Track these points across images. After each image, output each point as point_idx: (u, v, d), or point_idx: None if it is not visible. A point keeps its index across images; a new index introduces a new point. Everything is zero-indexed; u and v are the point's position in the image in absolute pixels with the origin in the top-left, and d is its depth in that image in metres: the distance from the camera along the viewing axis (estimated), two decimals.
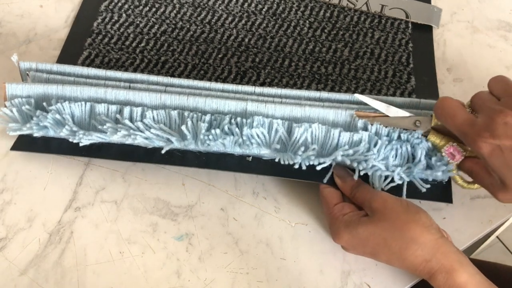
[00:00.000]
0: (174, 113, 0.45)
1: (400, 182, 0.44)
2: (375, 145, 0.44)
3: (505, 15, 0.62)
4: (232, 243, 0.45)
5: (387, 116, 0.44)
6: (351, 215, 0.41)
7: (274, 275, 0.43)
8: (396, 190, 0.44)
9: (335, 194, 0.44)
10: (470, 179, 0.43)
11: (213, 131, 0.44)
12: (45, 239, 0.44)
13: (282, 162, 0.44)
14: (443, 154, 0.43)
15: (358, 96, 0.45)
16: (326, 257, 0.44)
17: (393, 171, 0.44)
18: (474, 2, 0.63)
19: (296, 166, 0.44)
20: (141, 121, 0.44)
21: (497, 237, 1.16)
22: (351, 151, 0.43)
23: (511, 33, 0.61)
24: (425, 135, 0.44)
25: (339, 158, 0.43)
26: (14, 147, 0.48)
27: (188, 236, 0.45)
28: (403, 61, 0.56)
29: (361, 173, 0.44)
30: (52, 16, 0.60)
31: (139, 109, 0.45)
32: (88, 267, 0.43)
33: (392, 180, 0.44)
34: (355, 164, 0.44)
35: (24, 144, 0.47)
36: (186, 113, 0.45)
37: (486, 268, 0.59)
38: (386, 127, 0.44)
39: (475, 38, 0.60)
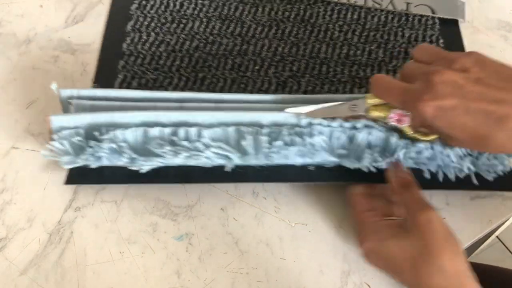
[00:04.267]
0: (231, 130, 0.44)
1: (468, 172, 0.44)
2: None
3: (505, 15, 0.62)
4: (232, 243, 0.45)
5: (325, 108, 0.45)
6: (382, 223, 0.40)
7: (274, 275, 0.43)
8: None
9: (366, 201, 0.43)
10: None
11: (275, 143, 0.44)
12: (45, 239, 0.44)
13: (350, 167, 0.44)
14: (391, 123, 0.43)
15: (289, 110, 0.45)
16: (326, 257, 0.44)
17: (462, 165, 0.44)
18: (474, 2, 0.63)
19: (365, 170, 0.44)
20: (198, 141, 0.44)
21: (497, 237, 1.16)
22: (413, 154, 0.44)
23: (511, 33, 0.61)
24: (366, 114, 0.44)
25: (402, 157, 0.43)
26: (68, 181, 0.46)
27: (188, 236, 0.45)
28: None
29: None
30: (52, 16, 0.60)
31: (194, 129, 0.44)
32: (88, 267, 0.43)
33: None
34: (424, 168, 0.44)
35: (77, 176, 0.45)
36: (243, 128, 0.44)
37: (488, 272, 0.59)
38: (325, 118, 0.45)
39: (475, 38, 0.60)
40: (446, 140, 0.40)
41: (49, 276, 0.43)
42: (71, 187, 0.47)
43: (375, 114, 0.43)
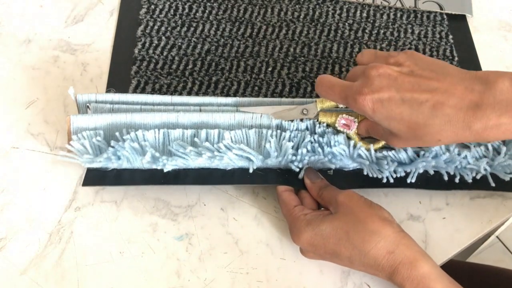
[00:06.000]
0: (252, 132, 0.45)
1: (484, 172, 0.45)
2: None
3: (505, 15, 0.62)
4: (232, 243, 0.45)
5: (276, 111, 0.47)
6: (313, 214, 0.42)
7: (274, 275, 0.43)
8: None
9: (294, 197, 0.44)
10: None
11: (299, 150, 0.44)
12: (45, 239, 0.44)
13: (370, 175, 0.45)
14: (338, 128, 0.45)
15: (242, 109, 0.46)
16: None
17: (479, 166, 0.45)
18: (474, 2, 0.63)
19: (384, 180, 0.45)
20: (219, 142, 0.44)
21: (497, 237, 1.16)
22: (433, 162, 0.44)
23: (511, 33, 0.61)
24: (317, 118, 0.46)
25: (420, 166, 0.44)
26: (85, 183, 0.45)
27: (188, 236, 0.45)
28: (447, 55, 0.57)
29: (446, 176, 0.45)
30: (52, 16, 0.60)
31: (215, 131, 0.44)
32: (88, 267, 0.43)
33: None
34: (442, 171, 0.45)
35: (95, 178, 0.45)
36: (264, 131, 0.45)
37: (488, 272, 0.59)
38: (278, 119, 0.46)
39: (475, 38, 0.60)
40: (390, 142, 0.41)
41: (49, 276, 0.43)
42: (71, 187, 0.47)
43: (324, 119, 0.45)
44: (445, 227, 0.46)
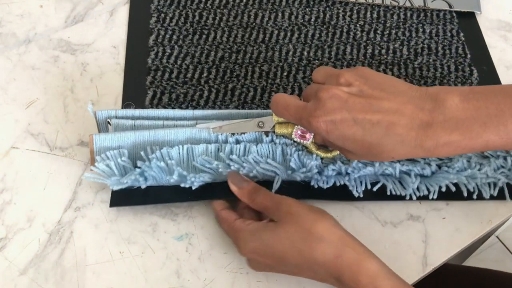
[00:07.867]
0: (279, 148, 0.44)
1: (501, 185, 0.46)
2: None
3: (505, 15, 0.62)
4: (232, 243, 0.45)
5: (233, 124, 0.46)
6: (255, 224, 0.41)
7: (274, 275, 0.43)
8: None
9: (233, 213, 0.44)
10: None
11: (326, 170, 0.44)
12: (45, 239, 0.44)
13: (393, 192, 0.45)
14: (295, 139, 0.45)
15: (199, 126, 0.46)
16: None
17: (497, 179, 0.45)
18: None
19: (407, 198, 0.45)
20: (245, 156, 0.44)
21: (497, 237, 1.16)
22: (455, 179, 0.45)
23: (511, 33, 0.61)
24: (273, 131, 0.45)
25: (443, 184, 0.45)
26: (113, 204, 0.45)
27: (188, 236, 0.45)
28: (460, 53, 0.57)
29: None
30: (52, 16, 0.60)
31: (241, 145, 0.44)
32: (88, 267, 0.43)
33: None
34: (463, 187, 0.46)
35: (122, 198, 0.45)
36: (288, 149, 0.44)
37: (487, 276, 0.59)
38: (233, 133, 0.45)
39: None
40: (345, 156, 0.41)
41: (49, 276, 0.43)
42: (71, 187, 0.47)
43: (280, 130, 0.45)
44: (445, 227, 0.46)
